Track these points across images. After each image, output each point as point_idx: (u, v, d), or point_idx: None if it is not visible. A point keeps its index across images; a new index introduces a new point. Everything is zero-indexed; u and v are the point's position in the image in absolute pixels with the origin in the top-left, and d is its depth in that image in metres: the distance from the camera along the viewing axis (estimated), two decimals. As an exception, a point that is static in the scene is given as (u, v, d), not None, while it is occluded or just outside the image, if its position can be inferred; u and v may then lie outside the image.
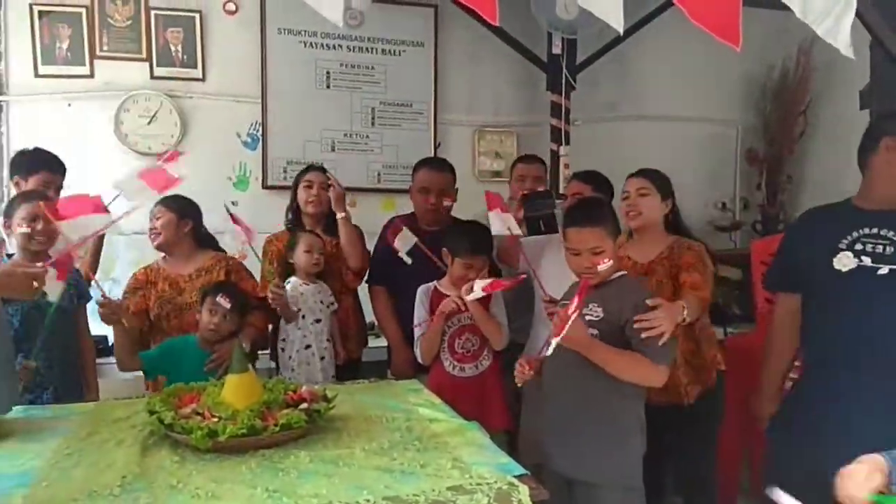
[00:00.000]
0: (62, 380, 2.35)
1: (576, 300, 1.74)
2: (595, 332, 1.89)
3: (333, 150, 3.97)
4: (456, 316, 2.44)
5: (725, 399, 2.48)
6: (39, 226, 2.24)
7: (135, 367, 2.44)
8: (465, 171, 3.73)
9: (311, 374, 2.58)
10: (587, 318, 1.92)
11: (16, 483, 1.48)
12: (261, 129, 3.86)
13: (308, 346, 2.63)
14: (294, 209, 2.92)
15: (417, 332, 2.49)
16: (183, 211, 2.63)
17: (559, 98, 3.87)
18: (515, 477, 1.52)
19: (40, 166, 2.67)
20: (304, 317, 2.63)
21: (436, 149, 4.10)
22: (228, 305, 2.42)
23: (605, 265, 1.92)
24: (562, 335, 1.71)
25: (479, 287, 2.12)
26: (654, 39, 4.07)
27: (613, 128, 4.38)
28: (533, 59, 3.97)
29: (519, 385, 2.06)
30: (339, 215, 2.79)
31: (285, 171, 3.85)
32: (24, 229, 2.24)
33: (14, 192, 2.66)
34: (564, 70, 3.84)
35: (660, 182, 2.40)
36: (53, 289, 1.91)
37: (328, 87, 3.95)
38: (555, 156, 3.86)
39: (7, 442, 1.75)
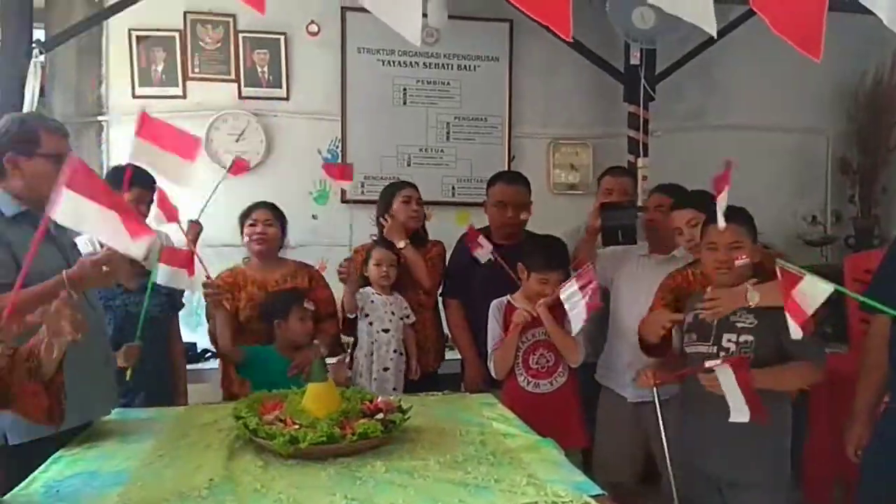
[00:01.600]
0: (154, 384, 2.48)
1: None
2: (750, 338, 1.93)
3: (409, 164, 4.04)
4: (530, 331, 2.42)
5: (809, 420, 2.38)
6: None
7: (235, 355, 2.54)
8: (539, 184, 3.71)
9: (371, 384, 2.62)
10: (739, 325, 1.95)
11: (112, 482, 1.57)
12: (340, 145, 3.98)
13: (371, 355, 2.68)
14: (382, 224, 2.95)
15: (492, 346, 2.49)
16: (282, 220, 2.78)
17: (637, 109, 3.81)
18: (592, 497, 1.49)
19: (133, 182, 2.82)
20: (371, 323, 2.69)
21: (510, 162, 4.11)
22: (314, 307, 2.53)
23: (741, 262, 1.94)
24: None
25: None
26: (738, 46, 3.94)
27: (696, 138, 4.26)
28: (610, 70, 3.92)
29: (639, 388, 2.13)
30: (400, 245, 2.79)
31: (363, 186, 3.96)
32: None
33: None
34: (643, 80, 3.77)
35: (750, 224, 2.09)
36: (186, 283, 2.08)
37: (404, 103, 4.04)
38: (633, 168, 3.79)
39: (105, 442, 1.86)
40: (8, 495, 1.48)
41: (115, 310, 2.44)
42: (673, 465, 2.03)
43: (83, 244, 2.33)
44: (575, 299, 2.20)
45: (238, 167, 3.01)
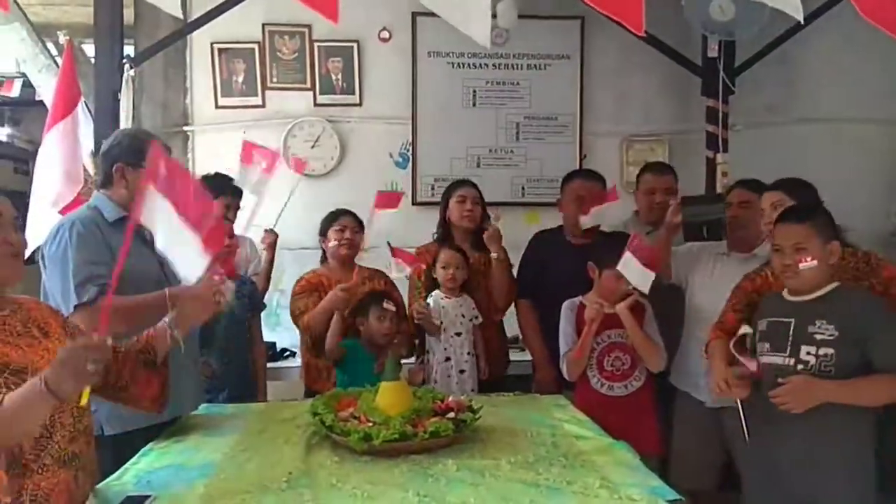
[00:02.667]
0: (237, 382, 2.59)
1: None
2: (830, 350, 1.79)
3: (479, 165, 4.05)
4: (606, 332, 2.38)
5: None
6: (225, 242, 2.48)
7: (336, 354, 2.60)
8: (612, 182, 3.62)
9: (450, 387, 2.62)
10: (818, 336, 1.81)
11: (198, 474, 1.65)
12: (411, 148, 4.03)
13: (448, 359, 2.69)
14: (443, 224, 2.98)
15: (564, 347, 2.46)
16: (363, 228, 2.84)
17: (716, 103, 3.67)
18: (668, 502, 1.45)
19: (222, 190, 2.96)
20: (445, 329, 2.70)
21: (581, 160, 4.05)
22: (395, 308, 2.58)
23: (807, 265, 1.81)
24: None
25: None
26: (822, 36, 3.74)
27: (778, 132, 4.07)
28: (686, 64, 3.80)
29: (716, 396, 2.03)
30: (494, 255, 2.78)
31: (433, 188, 4.00)
32: None
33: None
34: (721, 73, 3.63)
35: (819, 223, 1.91)
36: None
37: (474, 104, 4.05)
38: (711, 164, 3.65)
39: (192, 436, 1.96)
40: (101, 484, 1.57)
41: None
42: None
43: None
44: (633, 265, 2.18)
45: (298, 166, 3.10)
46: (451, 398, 2.01)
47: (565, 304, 2.49)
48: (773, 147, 3.92)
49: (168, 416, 1.98)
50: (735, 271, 2.32)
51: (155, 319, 1.75)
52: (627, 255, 2.21)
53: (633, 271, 2.20)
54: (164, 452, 1.81)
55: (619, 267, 2.23)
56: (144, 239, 2.12)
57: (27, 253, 1.50)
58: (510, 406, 2.26)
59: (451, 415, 1.87)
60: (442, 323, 2.69)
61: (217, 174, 3.04)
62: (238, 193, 2.95)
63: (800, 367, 1.83)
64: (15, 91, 6.33)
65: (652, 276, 2.19)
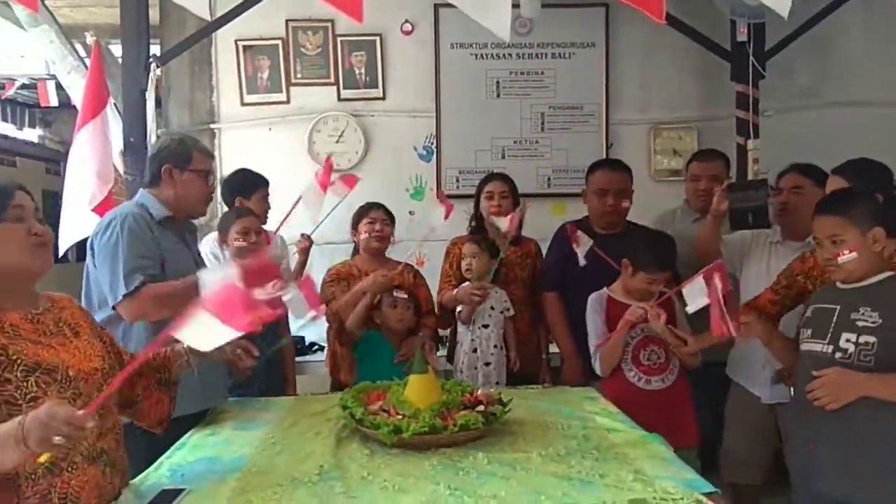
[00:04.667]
0: (267, 376, 2.61)
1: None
2: (871, 339, 1.72)
3: (503, 157, 4.03)
4: (638, 326, 2.34)
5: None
6: (253, 239, 2.52)
7: (354, 339, 2.65)
8: (639, 171, 3.57)
9: (476, 379, 2.62)
10: (860, 323, 1.75)
11: (231, 467, 1.66)
12: (435, 141, 4.02)
13: (475, 351, 2.69)
14: (477, 216, 2.97)
15: (594, 342, 2.41)
16: (393, 220, 2.88)
17: (746, 88, 3.58)
18: (704, 494, 1.43)
19: (259, 183, 3.00)
20: (473, 321, 2.70)
21: (608, 150, 4.00)
22: (405, 296, 2.60)
23: (845, 258, 1.76)
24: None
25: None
26: (854, 18, 3.65)
27: (812, 117, 3.97)
28: (714, 49, 3.72)
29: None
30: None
31: (458, 181, 3.98)
32: (240, 243, 2.52)
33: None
34: (751, 57, 3.55)
35: (858, 213, 1.81)
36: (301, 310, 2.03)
37: (498, 95, 4.02)
38: (742, 150, 3.58)
39: (224, 430, 1.98)
40: (137, 478, 1.60)
41: None
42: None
43: (206, 253, 2.54)
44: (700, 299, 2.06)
45: (327, 167, 3.10)
46: (480, 391, 2.00)
47: (592, 297, 2.46)
48: (806, 132, 3.83)
49: (199, 407, 2.02)
50: (790, 260, 2.24)
51: (189, 303, 1.77)
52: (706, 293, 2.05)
53: (697, 301, 2.08)
54: (197, 446, 1.84)
55: (689, 295, 2.11)
56: (186, 241, 2.19)
57: (62, 250, 1.53)
58: (540, 398, 2.25)
59: (481, 408, 1.86)
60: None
61: (244, 170, 3.08)
62: (266, 184, 3.00)
63: (838, 354, 1.77)
64: (52, 99, 6.45)
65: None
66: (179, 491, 1.49)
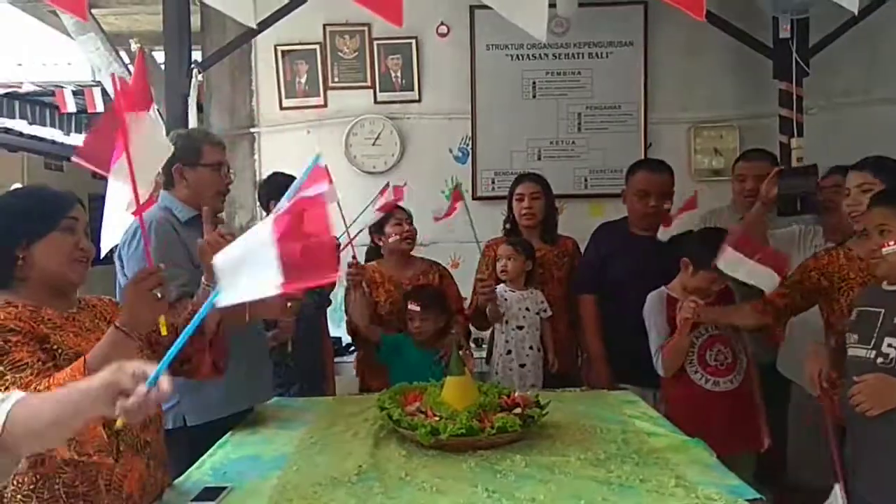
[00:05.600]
0: (307, 376, 2.64)
1: None
2: None
3: (539, 158, 4.00)
4: (703, 325, 2.28)
5: None
6: None
7: (370, 335, 2.64)
8: (679, 171, 3.51)
9: (511, 381, 2.60)
10: None
11: (272, 466, 1.69)
12: (470, 142, 4.02)
13: (509, 352, 2.67)
14: (511, 218, 2.96)
15: (656, 342, 2.35)
16: (412, 219, 2.87)
17: (789, 85, 3.49)
18: (748, 501, 1.40)
19: (286, 188, 3.03)
20: (507, 322, 2.68)
21: (646, 149, 3.94)
22: (418, 308, 2.58)
23: (890, 248, 1.72)
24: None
25: None
26: (904, 10, 3.51)
27: (857, 114, 3.85)
28: (756, 46, 3.64)
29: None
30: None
31: (493, 182, 3.97)
32: None
33: (263, 213, 3.06)
34: (794, 54, 3.46)
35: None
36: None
37: (534, 96, 4.00)
38: (786, 149, 3.48)
39: (265, 428, 2.01)
40: (182, 476, 1.63)
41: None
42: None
43: None
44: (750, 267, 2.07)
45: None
46: (516, 393, 1.99)
47: (652, 296, 2.40)
48: (852, 130, 3.71)
49: (243, 406, 2.06)
50: None
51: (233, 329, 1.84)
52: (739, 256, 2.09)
53: (753, 275, 2.09)
54: (239, 444, 1.87)
55: (729, 269, 2.12)
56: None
57: (103, 252, 1.58)
58: (577, 402, 2.23)
59: (518, 410, 1.85)
60: (504, 314, 2.67)
61: (278, 174, 3.13)
62: None
63: (879, 360, 1.71)
64: (99, 106, 6.64)
65: (776, 278, 2.08)
66: (222, 489, 1.52)
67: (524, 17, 1.75)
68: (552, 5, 3.07)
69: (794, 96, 3.48)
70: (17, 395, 1.07)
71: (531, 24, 1.71)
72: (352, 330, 2.76)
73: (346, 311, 2.75)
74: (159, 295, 1.39)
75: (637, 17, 3.93)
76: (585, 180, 4.00)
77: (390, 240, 2.77)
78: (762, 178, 2.74)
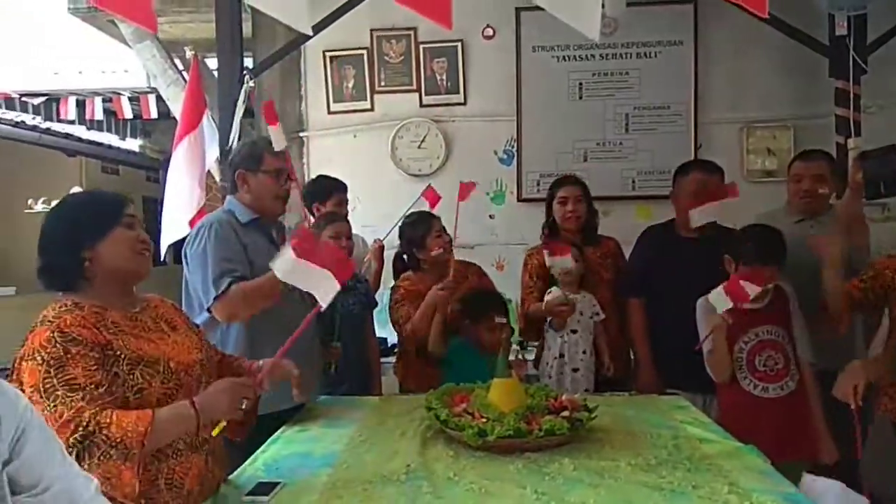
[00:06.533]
0: (355, 376, 2.67)
1: None
2: None
3: (586, 160, 3.97)
4: (753, 330, 2.23)
5: None
6: (343, 243, 2.59)
7: (439, 350, 2.61)
8: (731, 172, 3.44)
9: (563, 385, 2.58)
10: None
11: (322, 463, 1.72)
12: (516, 144, 4.01)
13: (562, 356, 2.65)
14: (550, 222, 2.92)
15: (706, 347, 2.29)
16: None
17: (846, 84, 3.38)
18: (806, 510, 1.36)
19: (333, 190, 3.09)
20: (559, 328, 2.66)
21: (696, 150, 3.87)
22: (505, 320, 2.54)
23: None
24: None
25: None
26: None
27: (919, 112, 3.71)
28: (811, 44, 3.54)
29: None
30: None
31: (538, 184, 3.96)
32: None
33: (309, 215, 3.12)
34: (851, 52, 3.35)
35: None
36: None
37: (580, 97, 3.97)
38: (842, 150, 3.38)
39: (315, 426, 2.05)
40: (236, 472, 1.68)
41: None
42: None
43: None
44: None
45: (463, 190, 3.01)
46: (564, 396, 1.98)
47: (701, 301, 2.34)
48: (914, 129, 3.58)
49: (292, 403, 2.10)
50: None
51: (274, 297, 2.01)
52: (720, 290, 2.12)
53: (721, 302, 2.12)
54: (290, 441, 1.91)
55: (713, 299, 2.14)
56: (271, 238, 2.28)
57: (163, 252, 1.66)
58: (627, 406, 2.20)
59: (566, 413, 1.84)
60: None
61: (322, 177, 3.20)
62: (341, 190, 3.08)
63: None
64: (153, 112, 6.86)
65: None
66: (275, 484, 1.56)
67: (577, 18, 1.73)
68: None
69: (851, 95, 3.37)
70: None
71: (584, 24, 1.69)
72: (417, 349, 2.70)
73: (394, 320, 2.74)
74: (243, 405, 1.48)
75: (687, 16, 3.87)
76: (633, 182, 3.95)
77: (433, 253, 2.70)
78: (819, 179, 2.67)
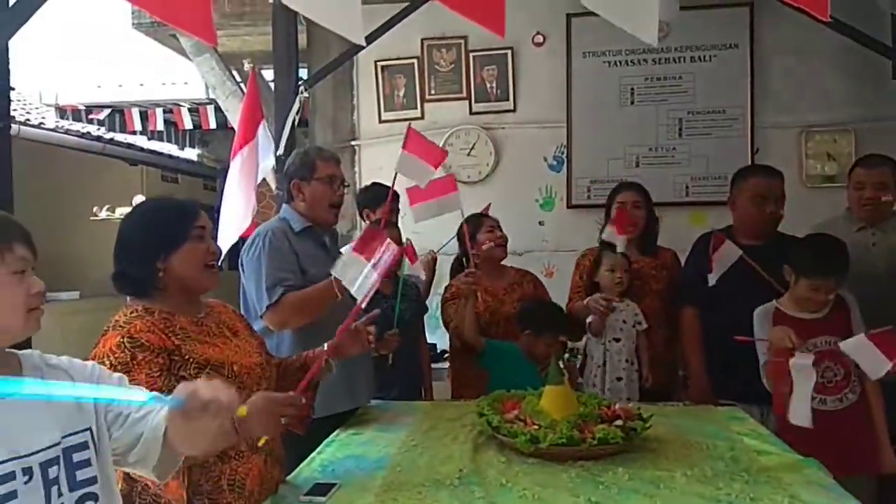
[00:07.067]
0: (405, 380, 2.71)
1: None
2: None
3: (637, 165, 3.93)
4: (811, 340, 2.15)
5: None
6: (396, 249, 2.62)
7: (476, 343, 2.63)
8: (790, 177, 3.35)
9: (604, 394, 2.54)
10: None
11: (376, 465, 1.75)
12: (565, 151, 4.00)
13: (604, 364, 2.62)
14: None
15: (762, 358, 2.24)
16: None
17: (911, 86, 3.26)
18: (871, 526, 1.32)
19: (384, 196, 3.14)
20: (604, 333, 2.64)
21: (753, 155, 3.79)
22: (565, 340, 2.55)
23: None
24: None
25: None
26: None
27: None
28: (873, 46, 3.41)
29: None
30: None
31: (589, 190, 3.94)
32: None
33: (361, 222, 3.19)
34: (917, 53, 3.22)
35: None
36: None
37: (632, 102, 3.93)
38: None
39: (368, 430, 2.09)
40: (293, 473, 1.72)
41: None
42: None
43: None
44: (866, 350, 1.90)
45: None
46: (618, 405, 1.96)
47: (758, 311, 2.29)
48: None
49: (348, 407, 2.15)
50: None
51: (328, 305, 2.04)
52: (861, 339, 1.95)
53: (866, 357, 1.95)
54: (344, 444, 1.95)
55: (846, 349, 1.98)
56: (324, 245, 2.33)
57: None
58: (682, 416, 2.16)
59: (619, 422, 1.82)
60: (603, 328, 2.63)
61: (374, 184, 3.26)
62: (396, 198, 3.12)
63: None
64: (212, 122, 7.10)
65: (888, 366, 1.91)
66: (332, 485, 1.59)
67: (633, 23, 1.72)
68: (653, 10, 3.02)
69: (918, 98, 3.24)
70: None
71: (640, 28, 1.68)
72: (457, 338, 2.76)
73: (445, 320, 2.78)
74: (283, 421, 1.50)
75: (742, 19, 3.80)
76: (686, 188, 3.89)
77: (484, 247, 2.73)
78: (882, 186, 2.58)
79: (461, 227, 2.80)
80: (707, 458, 1.74)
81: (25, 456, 1.02)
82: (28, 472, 1.01)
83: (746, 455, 1.77)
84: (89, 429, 1.13)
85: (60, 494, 1.05)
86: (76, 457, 1.09)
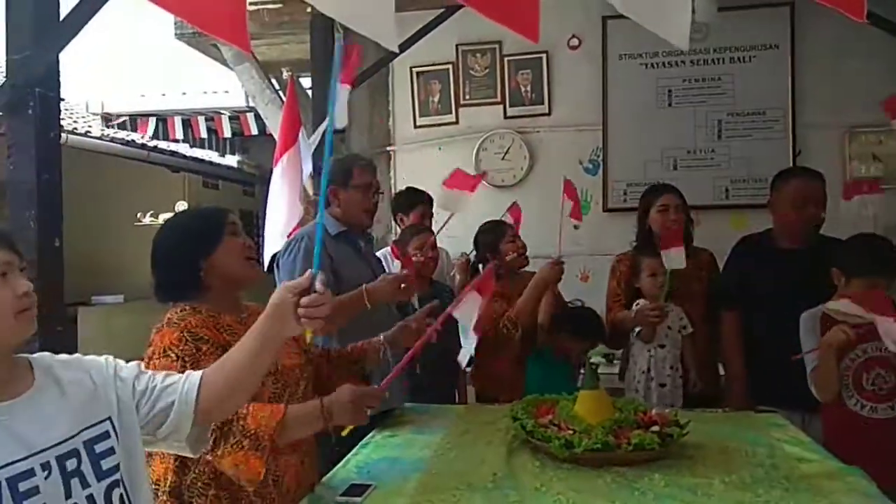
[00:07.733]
0: (439, 383, 2.72)
1: None
2: None
3: (675, 168, 3.88)
4: (861, 346, 2.09)
5: None
6: (430, 254, 2.66)
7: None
8: (833, 179, 3.26)
9: (650, 400, 2.50)
10: None
11: (412, 468, 1.77)
12: (601, 154, 3.97)
13: (648, 371, 2.59)
14: (644, 232, 2.83)
15: (809, 367, 2.18)
16: None
17: (961, 84, 3.15)
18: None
19: (417, 200, 3.18)
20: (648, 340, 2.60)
21: (794, 157, 3.70)
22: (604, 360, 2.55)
23: None
24: None
25: None
26: None
27: None
28: (920, 43, 3.32)
29: None
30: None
31: (625, 194, 3.90)
32: (418, 258, 2.66)
33: (395, 226, 3.23)
34: (968, 49, 3.12)
35: None
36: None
37: (669, 104, 3.89)
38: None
39: (403, 432, 2.11)
40: (329, 474, 1.75)
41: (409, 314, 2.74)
42: None
43: (384, 258, 2.72)
44: None
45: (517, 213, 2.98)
46: (654, 411, 1.94)
47: (805, 316, 2.23)
48: None
49: (383, 408, 2.17)
50: None
51: (357, 313, 2.08)
52: None
53: None
54: (380, 446, 1.97)
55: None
56: (359, 249, 2.37)
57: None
58: (720, 423, 2.13)
59: (656, 428, 1.80)
60: (641, 330, 2.60)
61: (407, 188, 3.29)
62: (429, 201, 3.15)
63: None
64: (252, 129, 7.25)
65: None
66: (367, 486, 1.61)
67: (665, 26, 1.70)
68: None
69: (967, 96, 3.12)
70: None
71: (672, 32, 1.66)
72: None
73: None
74: (367, 411, 1.59)
75: (783, 19, 3.73)
76: (726, 190, 3.82)
77: (507, 257, 2.70)
78: None
79: (478, 234, 2.85)
80: (746, 465, 1.71)
81: (41, 451, 1.04)
82: (46, 466, 1.03)
83: (786, 462, 1.73)
84: (108, 418, 1.14)
85: (88, 485, 1.07)
86: (98, 447, 1.11)
